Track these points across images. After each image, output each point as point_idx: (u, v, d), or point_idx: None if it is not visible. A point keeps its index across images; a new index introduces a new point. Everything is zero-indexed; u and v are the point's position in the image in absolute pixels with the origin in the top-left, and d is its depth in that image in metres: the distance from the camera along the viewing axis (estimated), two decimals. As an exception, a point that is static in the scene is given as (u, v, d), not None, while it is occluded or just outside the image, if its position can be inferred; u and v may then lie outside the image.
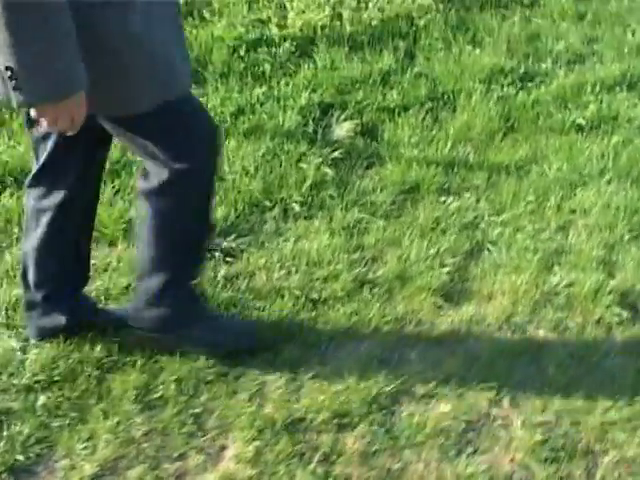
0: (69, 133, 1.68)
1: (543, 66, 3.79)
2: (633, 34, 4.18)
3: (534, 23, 4.23)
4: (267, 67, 3.54)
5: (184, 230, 2.03)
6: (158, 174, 1.92)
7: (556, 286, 2.42)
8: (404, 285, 2.40)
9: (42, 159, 1.98)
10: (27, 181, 2.06)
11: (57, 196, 2.02)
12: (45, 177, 2.01)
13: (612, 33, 4.20)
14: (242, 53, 3.62)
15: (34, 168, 2.03)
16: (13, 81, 1.52)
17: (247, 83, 3.46)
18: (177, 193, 1.95)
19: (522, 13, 4.32)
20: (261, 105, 3.30)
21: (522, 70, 3.72)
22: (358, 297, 2.34)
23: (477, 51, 3.84)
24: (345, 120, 3.23)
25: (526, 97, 3.50)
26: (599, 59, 3.91)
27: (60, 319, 2.15)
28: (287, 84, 3.45)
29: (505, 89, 3.55)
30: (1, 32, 1.47)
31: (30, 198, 2.06)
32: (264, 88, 3.42)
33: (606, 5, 4.54)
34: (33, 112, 1.61)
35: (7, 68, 1.51)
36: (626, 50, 4.00)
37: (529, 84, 3.63)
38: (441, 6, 4.18)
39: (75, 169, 2.01)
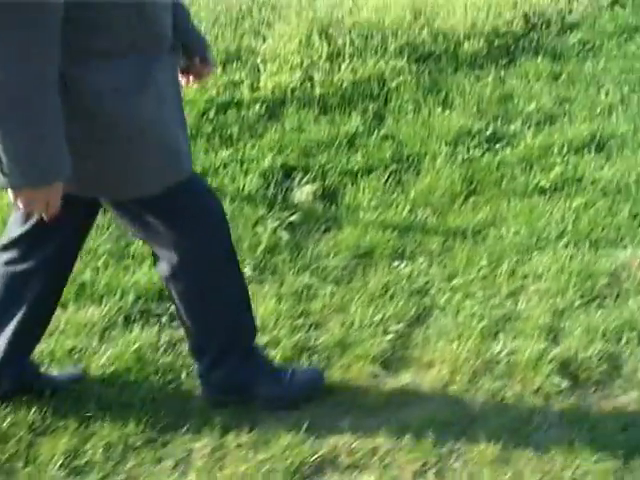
0: (44, 217, 1.69)
1: (512, 127, 3.81)
2: (607, 94, 4.20)
3: (508, 84, 4.27)
4: (235, 129, 3.59)
5: (217, 299, 2.05)
6: (169, 258, 1.95)
7: (498, 354, 2.40)
8: (344, 352, 2.40)
9: (24, 227, 1.96)
10: None
11: (31, 263, 2.00)
12: (22, 242, 1.99)
13: (585, 93, 4.22)
14: (212, 115, 3.68)
15: (11, 231, 2.00)
16: None
17: (214, 145, 3.51)
18: (193, 271, 1.97)
19: (497, 73, 4.37)
20: (224, 167, 3.35)
21: (490, 131, 3.75)
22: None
23: (447, 113, 3.88)
24: (307, 183, 3.27)
25: (491, 159, 3.52)
26: (570, 120, 3.93)
27: (3, 384, 2.16)
28: (253, 146, 3.50)
29: (471, 151, 3.58)
30: None
31: None
32: (230, 150, 3.47)
33: (582, 65, 4.57)
34: (10, 193, 1.64)
35: None
36: (598, 110, 4.02)
37: (496, 146, 3.65)
38: (414, 67, 4.24)
39: (57, 239, 1.99)
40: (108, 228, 2.93)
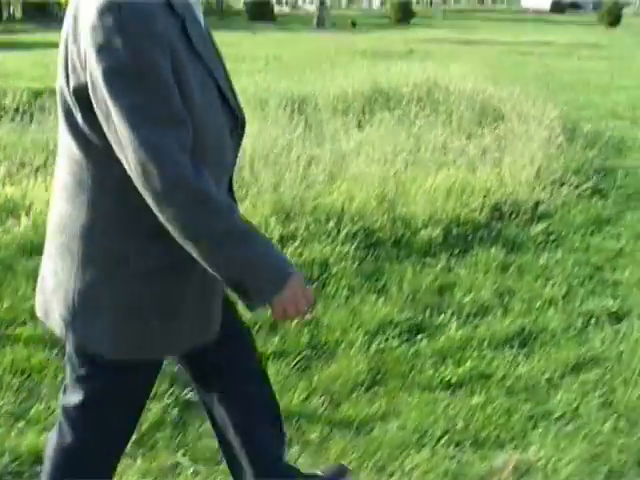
0: (307, 314, 1.80)
1: (440, 318, 3.89)
2: (552, 287, 4.26)
3: (453, 273, 4.38)
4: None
5: None
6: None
7: None
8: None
9: None
10: None
11: None
12: None
13: (530, 286, 4.29)
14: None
15: None
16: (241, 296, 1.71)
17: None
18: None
19: (447, 262, 4.49)
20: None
21: (415, 322, 3.83)
22: None
23: (379, 301, 3.99)
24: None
25: (406, 350, 3.58)
26: (504, 313, 3.98)
27: None
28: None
29: (389, 341, 3.65)
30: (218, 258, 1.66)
31: None
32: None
33: (538, 257, 4.67)
34: (273, 310, 1.75)
35: (235, 289, 1.71)
36: (537, 304, 4.07)
37: (417, 337, 3.72)
38: (362, 253, 4.41)
39: None
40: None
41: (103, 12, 1.51)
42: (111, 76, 1.52)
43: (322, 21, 40.82)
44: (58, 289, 1.77)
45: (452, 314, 3.92)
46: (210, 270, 1.67)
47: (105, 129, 1.59)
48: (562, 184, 5.98)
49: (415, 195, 5.14)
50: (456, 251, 4.64)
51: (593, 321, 3.93)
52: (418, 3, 78.80)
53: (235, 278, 1.69)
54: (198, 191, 1.59)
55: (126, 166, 1.58)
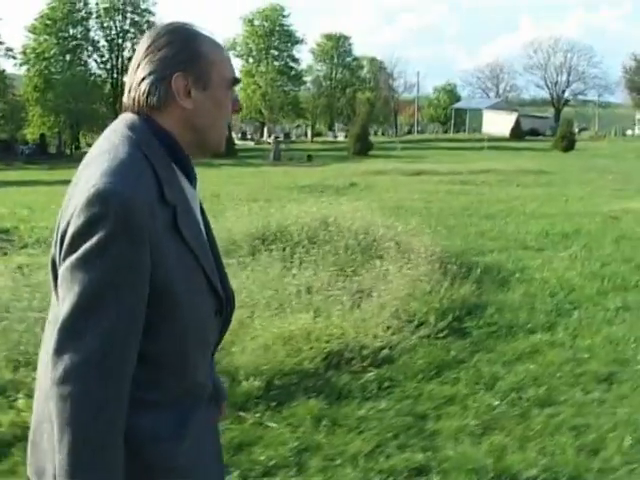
0: None
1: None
2: (362, 441, 4.09)
3: (262, 428, 4.21)
4: None
5: None
6: None
7: None
8: None
9: None
10: None
11: None
12: None
13: (339, 440, 4.12)
14: None
15: None
16: None
17: None
18: None
19: (262, 415, 4.33)
20: None
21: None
22: None
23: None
24: None
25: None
26: (297, 472, 3.79)
27: None
28: None
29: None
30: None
31: None
32: None
33: (359, 408, 4.52)
34: None
35: None
36: (338, 462, 3.89)
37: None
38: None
39: None
40: None
41: (91, 202, 1.53)
42: (78, 266, 1.53)
43: (278, 155, 41.98)
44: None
45: (239, 475, 3.73)
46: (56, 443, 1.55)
47: (57, 295, 1.60)
48: (420, 324, 5.90)
49: (248, 344, 5.02)
50: (274, 403, 4.47)
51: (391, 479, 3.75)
52: (383, 134, 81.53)
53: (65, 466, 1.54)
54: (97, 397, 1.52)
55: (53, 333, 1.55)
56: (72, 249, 1.54)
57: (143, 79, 1.70)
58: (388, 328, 5.73)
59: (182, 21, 1.77)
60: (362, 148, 46.94)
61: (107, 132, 1.71)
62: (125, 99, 1.74)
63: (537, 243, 10.31)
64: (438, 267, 7.42)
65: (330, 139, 74.19)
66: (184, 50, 1.70)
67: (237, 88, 1.87)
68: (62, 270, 1.56)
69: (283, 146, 48.57)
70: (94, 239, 1.52)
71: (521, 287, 7.37)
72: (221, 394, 2.05)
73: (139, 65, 1.71)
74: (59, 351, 1.52)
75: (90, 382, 1.51)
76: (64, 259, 1.56)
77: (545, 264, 8.60)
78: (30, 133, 60.47)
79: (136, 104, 1.71)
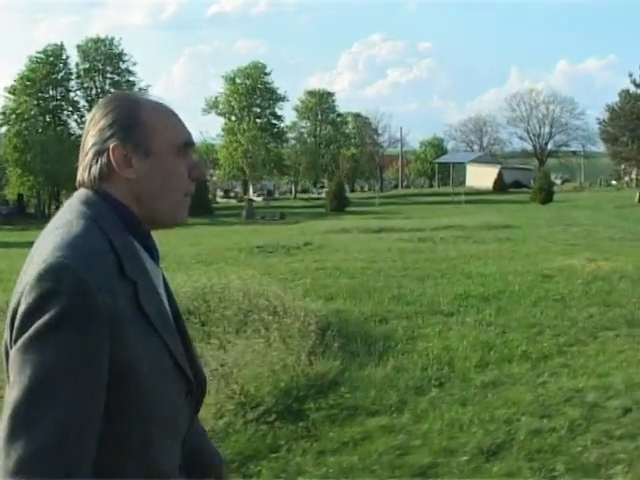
0: None
1: None
2: None
3: None
4: None
5: None
6: None
7: None
8: None
9: None
10: None
11: None
12: None
13: None
14: None
15: None
16: None
17: None
18: None
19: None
20: None
21: None
22: None
23: None
24: None
25: None
26: None
27: None
28: None
29: None
30: None
31: None
32: None
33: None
34: None
35: None
36: None
37: None
38: None
39: None
40: None
41: (42, 277, 1.44)
42: (29, 347, 1.42)
43: (250, 214, 42.22)
44: None
45: None
46: None
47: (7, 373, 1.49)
48: (256, 406, 5.40)
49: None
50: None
51: None
52: (370, 189, 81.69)
53: None
54: None
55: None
56: (23, 329, 1.43)
57: (87, 153, 1.66)
58: (219, 410, 5.25)
59: (125, 90, 1.58)
60: (339, 204, 46.92)
61: (62, 209, 1.65)
62: (79, 175, 1.68)
63: (450, 307, 9.80)
64: (314, 340, 6.95)
65: (314, 196, 74.27)
66: (121, 118, 1.65)
67: (194, 154, 1.76)
68: (13, 352, 1.44)
69: (266, 203, 48.60)
70: (46, 317, 1.41)
71: (397, 360, 6.86)
72: (215, 460, 1.97)
73: (86, 138, 1.68)
74: (10, 441, 1.38)
75: (45, 474, 1.37)
76: (15, 341, 1.44)
77: (442, 332, 8.11)
78: (10, 193, 60.47)
79: (85, 179, 1.66)
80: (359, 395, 5.80)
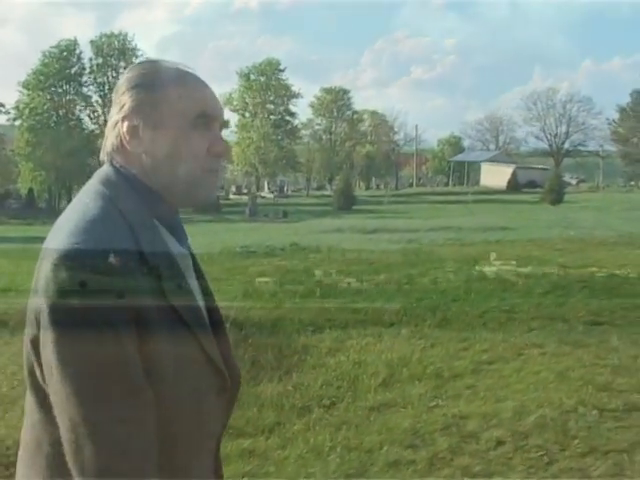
0: None
1: None
2: None
3: None
4: None
5: None
6: None
7: None
8: None
9: None
10: None
11: None
12: None
13: None
14: None
15: None
16: None
17: None
18: None
19: None
20: None
21: None
22: None
23: None
24: None
25: None
26: None
27: None
28: None
29: None
30: None
31: None
32: None
33: None
34: None
35: None
36: None
37: None
38: None
39: None
40: None
41: (57, 266, 1.37)
42: (62, 347, 1.35)
43: (253, 211, 42.26)
44: None
45: None
46: None
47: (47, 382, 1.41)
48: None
49: None
50: None
51: None
52: (386, 187, 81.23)
53: None
54: None
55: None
56: (51, 327, 1.35)
57: (108, 126, 1.60)
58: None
59: (153, 60, 1.62)
60: (346, 202, 46.66)
61: (83, 188, 1.56)
62: (102, 151, 1.62)
63: (395, 318, 9.53)
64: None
65: (327, 193, 74.03)
66: (137, 89, 1.55)
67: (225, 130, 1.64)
68: (46, 353, 1.37)
69: (275, 200, 48.54)
70: (71, 312, 1.34)
71: (301, 375, 6.61)
72: None
73: (111, 111, 1.61)
74: (79, 452, 1.34)
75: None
76: (44, 340, 1.37)
77: (368, 345, 7.83)
78: (23, 188, 60.80)
79: (105, 153, 1.59)
80: (237, 415, 5.54)
